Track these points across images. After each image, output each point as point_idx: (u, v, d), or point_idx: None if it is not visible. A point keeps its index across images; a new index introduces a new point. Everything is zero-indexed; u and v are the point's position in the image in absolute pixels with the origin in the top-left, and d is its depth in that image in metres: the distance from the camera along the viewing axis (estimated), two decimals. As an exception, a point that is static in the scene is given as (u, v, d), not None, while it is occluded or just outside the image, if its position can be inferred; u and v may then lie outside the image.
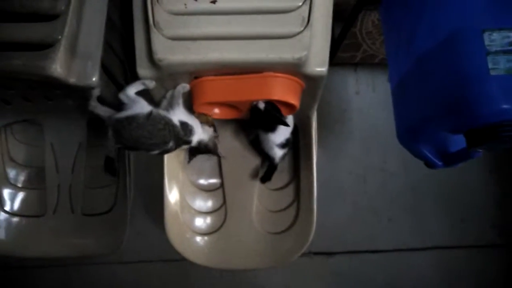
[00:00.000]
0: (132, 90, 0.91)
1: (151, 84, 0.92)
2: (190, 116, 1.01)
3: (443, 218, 1.66)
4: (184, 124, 0.98)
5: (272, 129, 1.06)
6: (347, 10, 1.21)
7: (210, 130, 1.06)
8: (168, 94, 0.99)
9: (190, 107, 1.00)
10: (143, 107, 0.92)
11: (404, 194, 1.67)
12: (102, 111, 0.95)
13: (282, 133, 1.09)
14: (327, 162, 1.62)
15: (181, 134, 0.98)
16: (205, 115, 1.03)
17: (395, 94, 0.98)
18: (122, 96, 0.92)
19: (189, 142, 1.02)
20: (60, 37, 0.84)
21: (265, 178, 1.19)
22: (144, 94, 0.94)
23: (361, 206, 1.65)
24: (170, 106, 0.97)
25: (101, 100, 0.97)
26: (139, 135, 0.91)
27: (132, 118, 0.90)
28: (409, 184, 1.67)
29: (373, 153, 1.67)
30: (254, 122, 1.01)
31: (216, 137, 1.10)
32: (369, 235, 1.64)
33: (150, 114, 0.91)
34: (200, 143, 1.04)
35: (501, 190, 1.66)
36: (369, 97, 1.69)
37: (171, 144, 0.96)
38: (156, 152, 0.97)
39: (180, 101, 0.97)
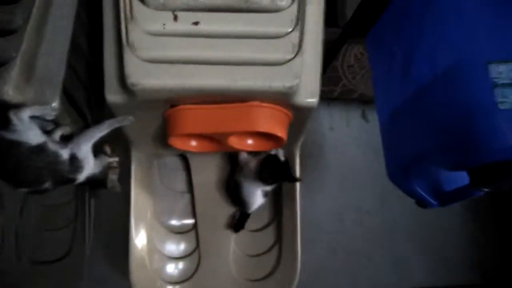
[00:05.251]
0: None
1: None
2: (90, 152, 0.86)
3: (423, 257, 1.61)
4: (74, 160, 0.83)
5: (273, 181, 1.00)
6: (329, 42, 1.18)
7: (104, 160, 0.91)
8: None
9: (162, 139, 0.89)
10: (34, 136, 0.77)
11: (382, 232, 1.61)
12: (26, 128, 0.75)
13: None
14: (302, 200, 1.55)
15: (65, 172, 0.82)
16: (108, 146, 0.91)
17: (385, 128, 0.93)
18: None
19: (72, 181, 0.85)
20: (15, 54, 0.73)
21: (239, 227, 1.11)
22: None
23: (339, 246, 1.58)
24: (78, 139, 0.83)
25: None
26: (11, 167, 0.76)
27: (17, 145, 0.74)
28: (386, 222, 1.62)
29: (349, 190, 1.62)
30: (266, 170, 0.96)
31: (113, 167, 0.92)
32: (349, 276, 1.56)
33: (38, 147, 0.77)
34: (89, 178, 0.88)
35: (478, 228, 1.65)
36: (343, 133, 1.67)
37: (46, 185, 0.80)
38: (24, 190, 0.81)
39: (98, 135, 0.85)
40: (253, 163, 0.99)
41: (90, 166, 0.86)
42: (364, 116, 1.68)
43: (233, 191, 1.10)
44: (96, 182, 0.90)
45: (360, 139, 1.63)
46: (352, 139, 1.65)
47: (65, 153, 0.81)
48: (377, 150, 1.58)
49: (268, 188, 1.03)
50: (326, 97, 1.53)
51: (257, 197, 1.04)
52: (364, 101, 1.62)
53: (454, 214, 1.65)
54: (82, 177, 0.86)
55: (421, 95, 0.77)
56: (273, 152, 0.93)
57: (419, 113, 0.79)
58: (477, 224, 1.65)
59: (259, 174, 0.97)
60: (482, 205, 1.67)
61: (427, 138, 0.76)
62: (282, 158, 0.96)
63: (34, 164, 0.77)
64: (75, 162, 0.83)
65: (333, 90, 1.44)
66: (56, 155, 0.80)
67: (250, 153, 1.01)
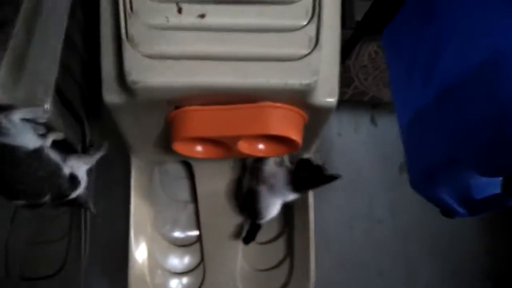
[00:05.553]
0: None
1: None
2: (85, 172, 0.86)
3: (436, 269, 1.55)
4: (73, 178, 0.81)
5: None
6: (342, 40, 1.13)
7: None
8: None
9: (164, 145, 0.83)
10: (29, 140, 0.72)
11: (393, 242, 1.55)
12: (19, 131, 0.70)
13: None
14: (310, 208, 1.50)
15: (64, 188, 0.80)
16: None
17: (406, 132, 0.85)
18: None
19: (66, 196, 0.82)
20: (2, 51, 0.67)
21: (249, 239, 1.04)
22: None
23: (349, 258, 1.52)
24: (76, 160, 0.83)
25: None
26: (6, 174, 0.71)
27: (12, 149, 0.69)
28: (397, 231, 1.56)
29: (358, 198, 1.56)
30: (304, 175, 0.92)
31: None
32: (359, 290, 1.50)
33: (36, 152, 0.72)
34: (78, 196, 0.86)
35: (491, 238, 1.59)
36: (351, 139, 1.62)
37: (46, 198, 0.76)
38: (20, 203, 0.75)
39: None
40: (282, 172, 0.94)
41: (83, 186, 0.85)
42: (373, 121, 1.63)
43: (244, 200, 1.04)
44: (78, 202, 0.87)
45: (369, 144, 1.59)
46: (360, 144, 1.60)
47: (66, 168, 0.80)
48: (387, 156, 1.56)
49: (292, 197, 0.97)
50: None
51: (276, 207, 0.98)
52: (373, 105, 1.58)
53: (467, 222, 1.58)
54: (74, 195, 0.83)
55: (450, 95, 0.70)
56: (305, 156, 0.89)
57: (448, 114, 0.71)
58: (491, 233, 1.59)
59: (294, 181, 0.93)
60: (495, 215, 1.61)
61: (460, 142, 0.69)
62: (317, 161, 0.93)
63: (34, 173, 0.73)
64: (75, 179, 0.82)
65: (344, 92, 1.38)
66: (58, 167, 0.77)
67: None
